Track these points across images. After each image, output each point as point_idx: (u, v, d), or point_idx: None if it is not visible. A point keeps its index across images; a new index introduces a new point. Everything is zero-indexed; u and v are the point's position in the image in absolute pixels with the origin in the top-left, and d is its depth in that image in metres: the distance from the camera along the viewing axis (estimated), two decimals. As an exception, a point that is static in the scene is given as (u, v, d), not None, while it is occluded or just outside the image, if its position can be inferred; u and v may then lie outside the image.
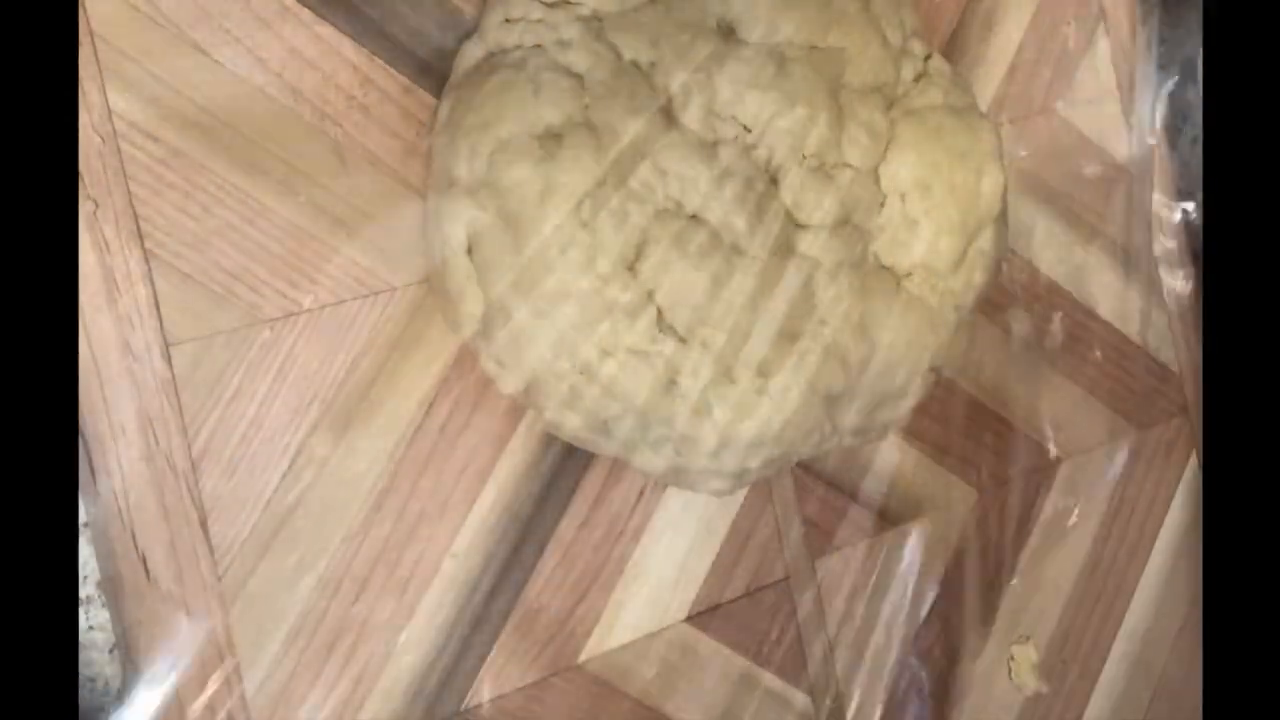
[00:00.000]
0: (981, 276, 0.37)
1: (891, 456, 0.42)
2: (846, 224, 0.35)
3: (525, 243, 0.33)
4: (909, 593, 0.42)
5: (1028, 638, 0.44)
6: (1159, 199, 0.45)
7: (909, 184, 0.35)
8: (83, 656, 0.33)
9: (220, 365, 0.33)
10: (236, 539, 0.33)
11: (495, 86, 0.34)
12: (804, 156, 0.34)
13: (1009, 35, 0.44)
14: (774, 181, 0.34)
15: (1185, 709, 0.47)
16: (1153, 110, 0.45)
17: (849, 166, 0.35)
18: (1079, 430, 0.45)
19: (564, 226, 0.33)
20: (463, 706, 0.36)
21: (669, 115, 0.34)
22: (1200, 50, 0.45)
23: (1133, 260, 0.45)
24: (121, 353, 0.32)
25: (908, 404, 0.37)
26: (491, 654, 0.37)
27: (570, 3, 0.35)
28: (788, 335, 0.34)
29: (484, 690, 0.36)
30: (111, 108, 0.32)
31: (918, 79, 0.37)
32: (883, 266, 0.36)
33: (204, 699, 0.33)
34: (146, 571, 0.32)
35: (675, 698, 0.39)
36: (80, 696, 0.31)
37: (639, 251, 0.33)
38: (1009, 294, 0.44)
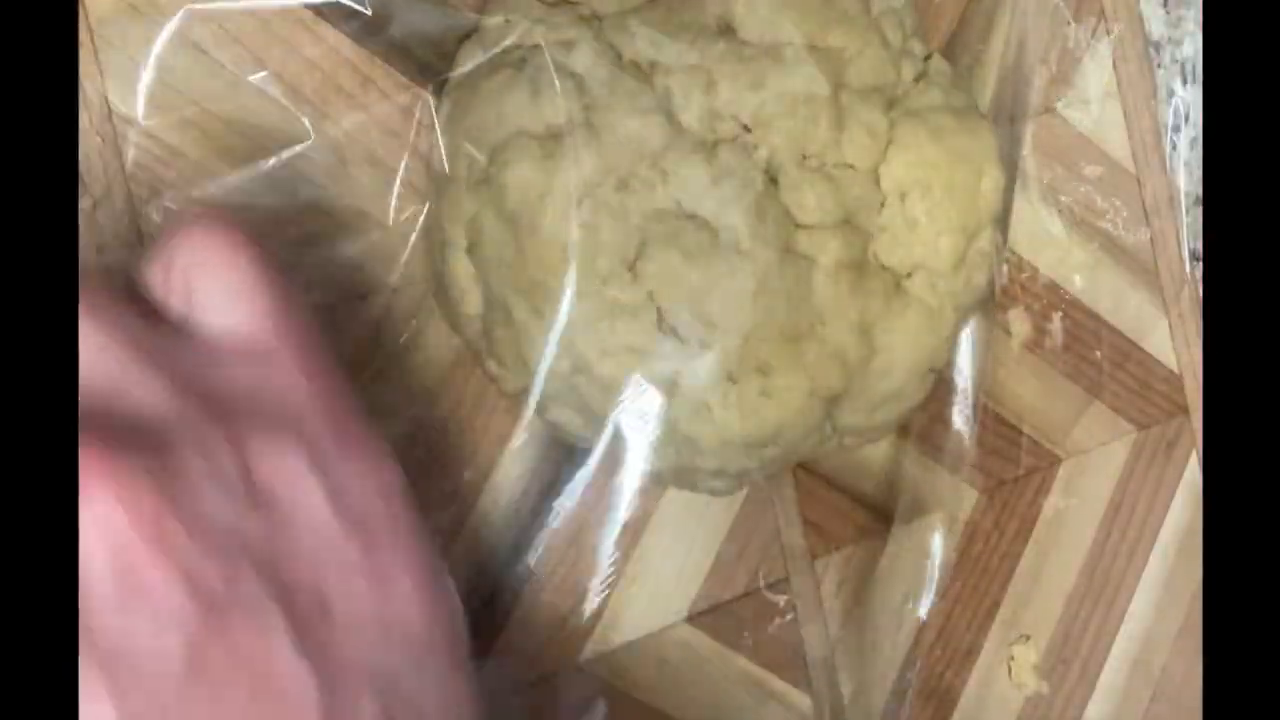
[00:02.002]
0: (981, 276, 0.37)
1: (891, 456, 0.42)
2: (846, 224, 0.35)
3: (525, 243, 0.33)
4: (909, 592, 0.42)
5: (1028, 638, 0.44)
6: (1159, 198, 0.45)
7: (909, 184, 0.35)
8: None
9: (220, 365, 0.33)
10: (236, 539, 0.33)
11: (495, 86, 0.34)
12: (804, 156, 0.34)
13: (1009, 35, 0.43)
14: (774, 181, 0.34)
15: (1185, 709, 0.47)
16: (1153, 110, 0.45)
17: (849, 166, 0.35)
18: (1079, 430, 0.45)
19: (564, 226, 0.33)
20: (463, 706, 0.36)
21: (669, 115, 0.34)
22: (1200, 50, 0.45)
23: (1133, 260, 0.45)
24: (121, 353, 0.32)
25: (908, 404, 0.37)
26: (491, 654, 0.37)
27: (570, 3, 0.35)
28: (788, 335, 0.34)
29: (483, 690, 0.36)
30: (111, 108, 0.32)
31: (918, 79, 0.37)
32: (883, 266, 0.36)
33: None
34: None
35: (675, 698, 0.39)
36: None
37: (639, 251, 0.33)
38: (1009, 294, 0.44)
